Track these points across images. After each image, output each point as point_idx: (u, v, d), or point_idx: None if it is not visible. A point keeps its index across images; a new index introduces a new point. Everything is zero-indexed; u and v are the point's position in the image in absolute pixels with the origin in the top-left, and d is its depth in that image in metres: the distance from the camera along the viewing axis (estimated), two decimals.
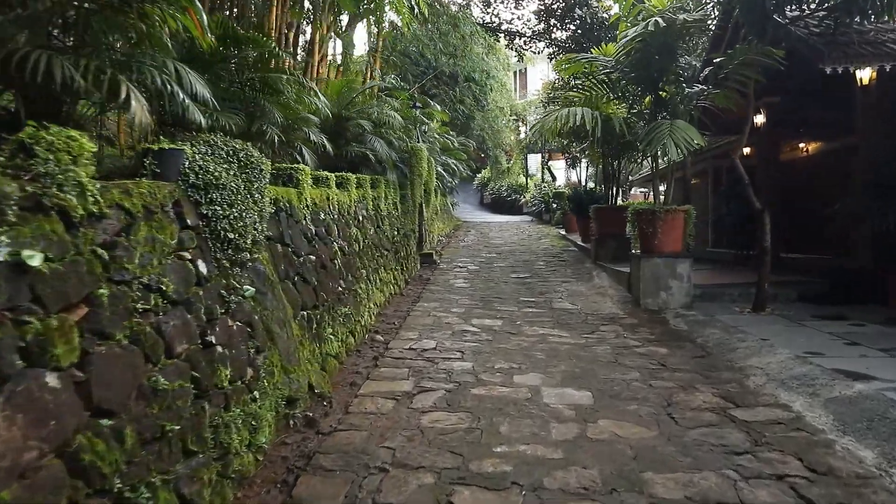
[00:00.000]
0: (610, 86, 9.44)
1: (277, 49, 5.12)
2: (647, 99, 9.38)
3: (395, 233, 10.80)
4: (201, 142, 3.76)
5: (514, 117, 40.58)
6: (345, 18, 15.23)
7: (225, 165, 3.74)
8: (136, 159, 3.29)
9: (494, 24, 23.18)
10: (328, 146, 7.24)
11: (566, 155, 25.98)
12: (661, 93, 8.97)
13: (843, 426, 4.02)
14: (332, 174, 6.82)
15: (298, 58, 10.90)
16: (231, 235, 3.75)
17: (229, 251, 3.79)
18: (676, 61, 8.49)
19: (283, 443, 3.98)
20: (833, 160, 11.33)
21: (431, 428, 4.21)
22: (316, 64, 11.11)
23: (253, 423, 3.68)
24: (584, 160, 23.69)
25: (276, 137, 5.50)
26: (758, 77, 7.87)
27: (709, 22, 9.97)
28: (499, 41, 25.87)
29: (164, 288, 3.00)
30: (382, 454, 3.77)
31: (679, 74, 8.70)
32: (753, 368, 5.49)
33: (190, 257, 3.37)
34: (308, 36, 11.41)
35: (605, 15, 18.45)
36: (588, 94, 9.71)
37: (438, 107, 21.01)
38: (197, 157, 3.57)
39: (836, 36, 7.77)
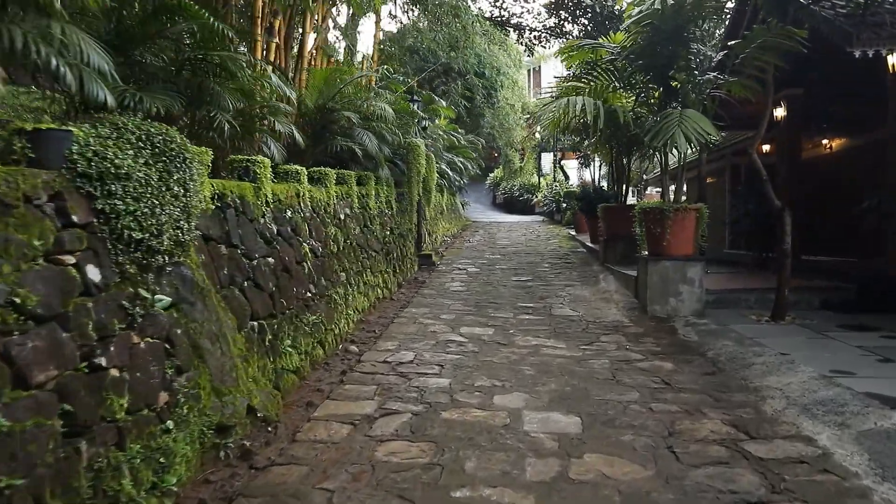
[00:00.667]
0: (616, 75, 8.73)
1: (223, 27, 4.49)
2: (657, 93, 8.66)
3: (388, 233, 10.17)
4: (107, 124, 3.15)
5: (528, 116, 39.88)
6: (344, 10, 14.71)
7: (132, 152, 3.13)
8: (3, 142, 2.68)
9: (503, 18, 22.49)
10: (298, 137, 6.62)
11: (578, 153, 25.24)
12: (671, 82, 8.25)
13: (882, 469, 3.31)
14: (304, 168, 6.20)
15: (294, 49, 10.35)
16: (139, 235, 3.13)
17: (137, 254, 3.17)
18: (688, 46, 7.76)
19: (205, 481, 3.36)
20: (859, 157, 10.52)
21: (385, 463, 3.56)
22: (309, 55, 10.53)
23: (161, 460, 3.07)
24: (597, 159, 22.96)
25: (226, 126, 4.89)
26: (778, 62, 7.12)
27: (724, 0, 9.21)
28: (508, 35, 25.14)
29: (21, 301, 2.39)
30: (316, 499, 3.13)
31: (690, 61, 7.96)
32: (771, 389, 4.77)
33: (74, 262, 2.76)
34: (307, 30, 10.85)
35: (617, 8, 17.72)
36: (592, 84, 9.00)
37: (444, 102, 20.37)
38: (92, 140, 2.96)
39: (866, 17, 7.01)
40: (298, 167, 6.19)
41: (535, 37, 22.47)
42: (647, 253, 8.36)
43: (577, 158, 27.84)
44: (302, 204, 6.19)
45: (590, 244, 15.11)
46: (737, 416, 4.27)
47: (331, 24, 14.05)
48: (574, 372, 5.43)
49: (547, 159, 38.13)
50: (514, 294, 9.60)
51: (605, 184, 23.11)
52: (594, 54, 8.98)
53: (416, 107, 12.34)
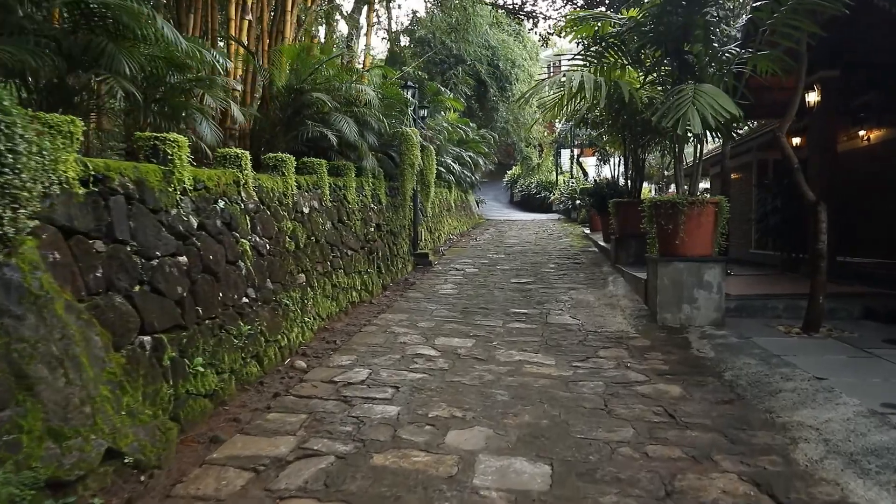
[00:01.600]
0: (623, 49, 7.65)
1: None
2: (669, 69, 7.57)
3: (371, 229, 9.23)
4: None
5: (555, 120, 38.65)
6: None
7: None
8: None
9: (516, 6, 21.43)
10: (236, 113, 5.72)
11: (596, 148, 24.06)
12: (686, 56, 7.17)
13: None
14: (245, 152, 5.28)
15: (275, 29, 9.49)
16: None
17: None
18: (706, 6, 6.66)
19: None
20: None
21: None
22: (293, 35, 9.66)
23: None
24: (616, 155, 21.79)
25: (125, 94, 3.98)
26: (813, 28, 6.02)
27: None
28: (521, 24, 24.06)
29: None
30: None
31: (709, 31, 6.87)
32: (805, 428, 3.72)
33: None
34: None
35: None
36: (597, 60, 7.93)
37: (450, 93, 19.40)
38: None
39: None
40: (239, 151, 5.27)
41: (550, 26, 21.41)
42: (657, 253, 7.31)
43: (595, 154, 26.72)
44: (243, 193, 5.27)
45: (602, 243, 14.01)
46: (759, 469, 3.24)
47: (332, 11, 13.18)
48: (557, 398, 4.42)
49: (566, 157, 37.01)
50: (510, 298, 8.59)
51: (624, 181, 21.97)
52: (601, 28, 7.92)
53: (409, 94, 11.38)
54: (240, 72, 8.74)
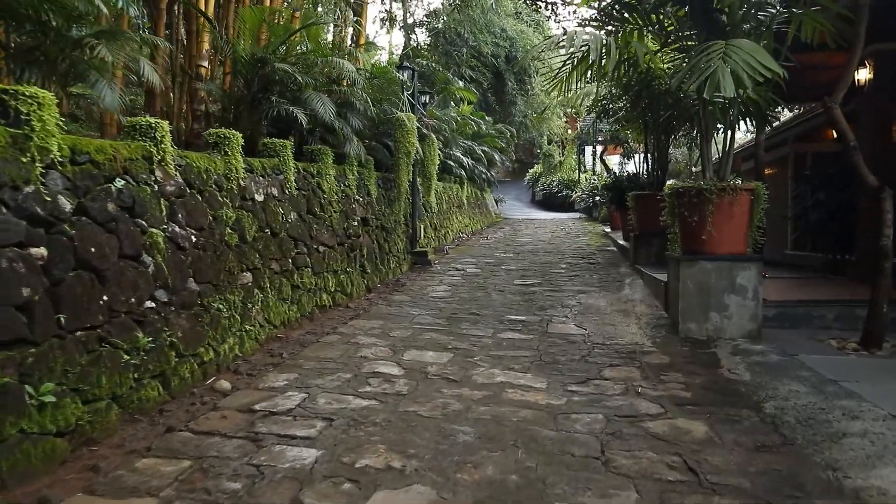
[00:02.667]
0: (638, 11, 6.47)
1: None
2: (695, 32, 6.39)
3: (354, 224, 8.19)
4: None
5: (572, 109, 37.34)
6: None
7: None
8: None
9: None
10: (149, 74, 4.69)
11: (618, 144, 22.74)
12: (715, 14, 5.98)
13: None
14: (164, 122, 4.27)
15: None
16: None
17: None
18: None
19: None
20: None
21: None
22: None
23: None
24: (640, 151, 20.47)
25: None
26: None
27: None
28: (538, 11, 22.89)
29: None
30: None
31: None
32: (887, 498, 2.55)
33: None
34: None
35: None
36: (607, 21, 6.75)
37: (461, 83, 18.30)
38: None
39: None
40: (154, 120, 4.25)
41: (570, 14, 20.21)
42: (680, 251, 6.13)
43: (619, 149, 25.40)
44: (158, 172, 4.25)
45: (622, 242, 12.78)
46: None
47: None
48: (539, 440, 3.31)
49: (590, 154, 35.65)
50: (508, 303, 7.47)
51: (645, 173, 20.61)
52: None
53: (405, 75, 10.31)
54: (206, 46, 7.79)
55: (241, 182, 5.40)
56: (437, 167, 12.27)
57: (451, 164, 16.19)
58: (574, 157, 36.06)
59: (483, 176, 21.90)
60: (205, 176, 4.83)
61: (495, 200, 29.31)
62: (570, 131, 37.59)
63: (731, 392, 4.14)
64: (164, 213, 4.22)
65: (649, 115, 10.34)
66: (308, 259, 6.55)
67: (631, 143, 21.20)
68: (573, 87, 7.94)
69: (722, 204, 5.65)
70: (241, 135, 5.39)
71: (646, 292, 7.74)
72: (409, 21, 26.00)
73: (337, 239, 7.49)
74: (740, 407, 3.83)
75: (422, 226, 11.43)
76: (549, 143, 37.74)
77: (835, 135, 11.10)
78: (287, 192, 6.35)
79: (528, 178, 38.97)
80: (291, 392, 4.03)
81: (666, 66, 8.54)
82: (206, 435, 3.31)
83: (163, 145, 4.28)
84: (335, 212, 7.58)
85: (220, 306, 4.68)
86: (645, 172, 12.30)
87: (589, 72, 6.84)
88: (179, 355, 4.07)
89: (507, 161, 24.43)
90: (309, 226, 6.75)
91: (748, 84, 4.43)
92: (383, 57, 21.33)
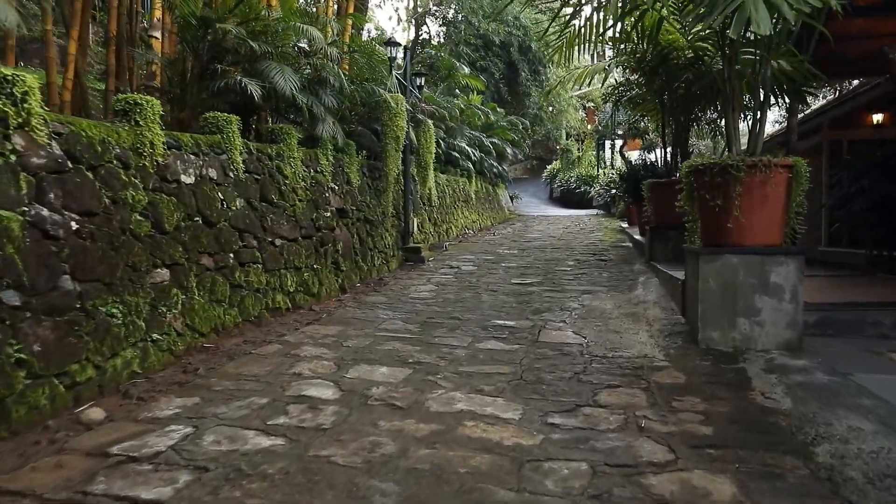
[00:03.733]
0: None
1: None
2: None
3: (327, 215, 7.22)
4: None
5: (592, 103, 36.07)
6: None
7: None
8: None
9: None
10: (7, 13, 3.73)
11: (637, 134, 21.50)
12: None
13: None
14: (26, 76, 3.33)
15: None
16: None
17: None
18: None
19: None
20: None
21: None
22: None
23: None
24: (660, 144, 19.22)
25: None
26: None
27: None
28: None
29: None
30: None
31: None
32: None
33: None
34: None
35: None
36: None
37: (466, 68, 17.25)
38: None
39: None
40: (11, 70, 3.31)
41: None
42: (700, 242, 5.05)
43: (639, 142, 24.15)
44: (19, 140, 3.31)
45: (638, 237, 11.64)
46: None
47: None
48: None
49: (609, 149, 34.37)
50: (499, 305, 6.43)
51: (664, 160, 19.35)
52: None
53: (395, 53, 9.30)
54: (158, 14, 6.91)
55: (160, 159, 4.44)
56: (433, 156, 11.27)
57: (456, 155, 15.18)
58: (592, 152, 34.85)
59: (494, 170, 20.85)
60: (100, 149, 3.88)
61: (510, 197, 28.22)
62: (588, 125, 36.35)
63: (768, 427, 3.07)
64: (23, 192, 3.27)
65: (666, 94, 9.25)
66: (258, 254, 5.59)
67: (650, 136, 20.03)
68: (576, 55, 6.93)
69: (752, 184, 4.56)
70: (158, 103, 4.43)
71: (660, 293, 6.64)
72: (420, 10, 25.04)
73: (301, 231, 6.52)
74: (781, 452, 2.76)
75: (416, 220, 10.43)
76: (567, 138, 36.58)
77: (875, 121, 9.89)
78: (231, 174, 5.39)
79: (545, 174, 37.82)
80: (176, 425, 3.05)
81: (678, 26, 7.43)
82: (13, 497, 2.34)
83: (26, 105, 3.33)
84: (300, 200, 6.61)
85: (114, 311, 3.72)
86: (662, 159, 11.16)
87: (590, 32, 5.81)
88: (34, 376, 3.11)
89: (520, 155, 23.28)
90: (262, 215, 5.79)
91: (790, 15, 3.33)
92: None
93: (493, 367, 4.19)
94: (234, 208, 5.31)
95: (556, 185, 35.68)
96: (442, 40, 24.24)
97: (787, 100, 7.01)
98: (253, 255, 5.49)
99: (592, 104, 37.13)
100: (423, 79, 11.83)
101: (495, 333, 5.20)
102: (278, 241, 5.96)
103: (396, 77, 9.58)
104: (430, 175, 11.14)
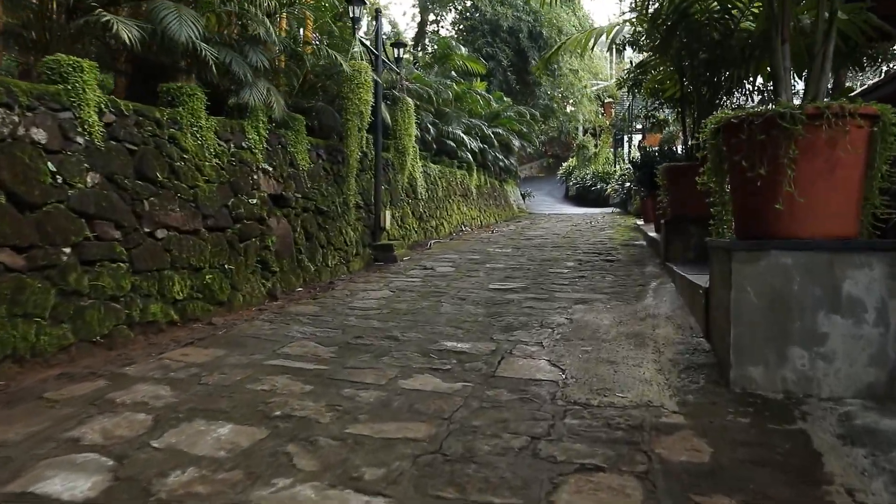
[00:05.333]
0: None
1: None
2: None
3: (253, 202, 5.73)
4: None
5: (610, 98, 34.34)
6: None
7: None
8: None
9: None
10: None
11: (656, 124, 19.76)
12: None
13: None
14: None
15: None
16: None
17: None
18: None
19: None
20: None
21: None
22: None
23: None
24: (681, 120, 17.45)
25: None
26: None
27: None
28: None
29: None
30: None
31: None
32: None
33: None
34: None
35: None
36: None
37: (463, 48, 15.69)
38: None
39: None
40: None
41: None
42: (732, 234, 3.47)
43: (658, 136, 22.40)
44: None
45: (653, 234, 10.02)
46: None
47: None
48: None
49: (627, 143, 32.59)
50: (460, 318, 4.88)
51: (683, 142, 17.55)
52: None
53: (354, 11, 7.77)
54: None
55: None
56: (414, 140, 9.75)
57: (451, 144, 13.66)
58: (610, 149, 33.14)
59: (500, 164, 19.29)
60: None
61: (522, 195, 26.64)
62: (605, 120, 34.57)
63: None
64: None
65: (686, 60, 7.64)
66: (122, 249, 4.11)
67: (671, 128, 18.30)
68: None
69: (815, 143, 2.97)
70: None
71: (676, 303, 5.04)
72: None
73: (207, 221, 5.04)
74: None
75: (389, 213, 8.92)
76: (583, 134, 34.96)
77: None
78: (81, 140, 3.92)
79: (560, 172, 36.22)
80: None
81: None
82: None
83: None
84: (208, 182, 5.13)
85: None
86: (683, 146, 9.51)
87: None
88: None
89: (529, 148, 21.62)
90: (136, 198, 4.31)
91: None
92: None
93: (403, 427, 2.65)
94: (80, 186, 3.84)
95: (571, 183, 34.04)
96: (451, 31, 22.80)
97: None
98: (111, 250, 4.01)
99: (610, 98, 35.41)
100: (403, 50, 10.30)
101: (437, 363, 3.66)
102: (161, 233, 4.48)
103: (362, 42, 8.07)
104: (408, 162, 9.63)
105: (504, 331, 4.44)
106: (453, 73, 14.35)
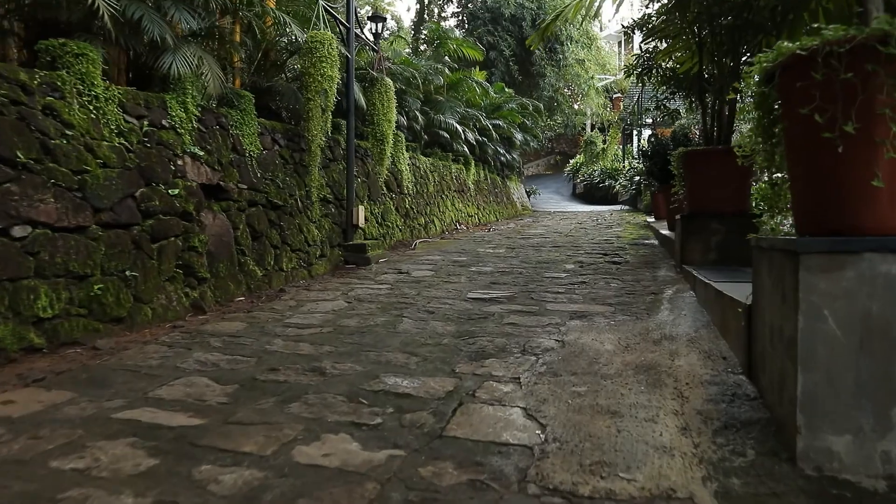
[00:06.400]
0: None
1: None
2: None
3: (176, 192, 4.66)
4: None
5: (619, 92, 33.12)
6: None
7: None
8: None
9: None
10: None
11: (667, 115, 18.54)
12: None
13: None
14: None
15: None
16: None
17: None
18: None
19: None
20: None
21: None
22: None
23: None
24: (699, 100, 16.22)
25: None
26: None
27: None
28: None
29: None
30: None
31: None
32: None
33: None
34: None
35: None
36: None
37: (457, 31, 14.57)
38: None
39: None
40: None
41: None
42: (797, 225, 2.34)
43: (668, 131, 21.18)
44: None
45: (665, 232, 8.88)
46: None
47: None
48: None
49: (637, 139, 31.35)
50: (420, 340, 3.78)
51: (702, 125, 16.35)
52: None
53: None
54: None
55: None
56: (395, 126, 8.66)
57: (444, 135, 12.56)
58: (619, 146, 31.96)
59: (502, 159, 18.18)
60: None
61: (527, 192, 25.54)
62: (613, 113, 33.35)
63: None
64: None
65: (706, 26, 6.53)
66: None
67: (683, 120, 17.09)
68: None
69: None
70: None
71: (700, 319, 3.91)
72: None
73: (101, 216, 3.97)
74: None
75: (363, 209, 7.82)
76: (591, 130, 33.80)
77: None
78: None
79: (567, 169, 35.12)
80: None
81: None
82: None
83: None
84: (104, 166, 4.06)
85: None
86: (698, 127, 8.34)
87: None
88: None
89: (532, 143, 20.47)
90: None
91: None
92: None
93: None
94: None
95: (578, 181, 32.92)
96: (451, 22, 21.71)
97: None
98: None
99: (619, 94, 34.17)
100: (382, 25, 9.20)
101: (365, 413, 2.56)
102: (21, 230, 3.41)
103: (328, 10, 6.98)
104: (388, 150, 8.53)
105: (472, 359, 3.34)
106: (447, 58, 13.23)
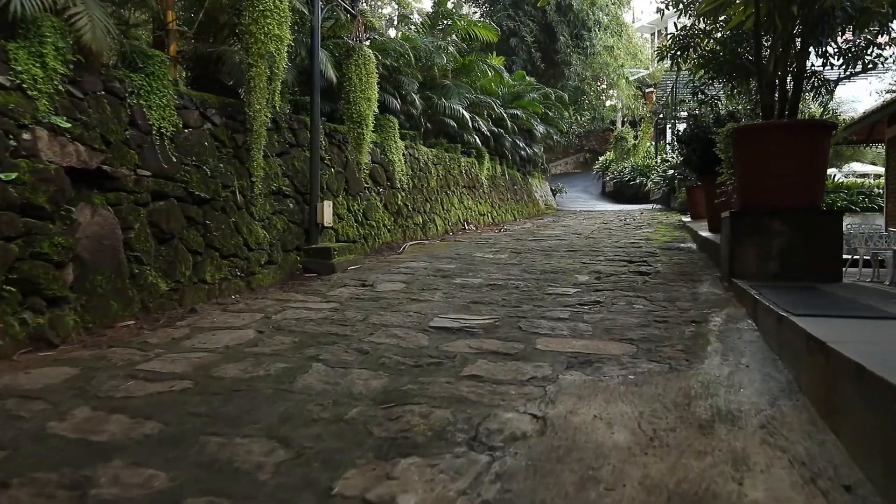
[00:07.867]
0: None
1: None
2: None
3: (28, 178, 3.31)
4: None
5: (651, 86, 31.23)
6: None
7: None
8: None
9: None
10: None
11: (702, 101, 16.75)
12: None
13: None
14: None
15: None
16: None
17: None
18: None
19: None
20: None
21: None
22: None
23: None
24: (755, 63, 14.37)
25: None
26: None
27: None
28: None
29: None
30: None
31: None
32: None
33: None
34: None
35: None
36: None
37: (476, 15, 13.08)
38: None
39: None
40: None
41: None
42: None
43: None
44: None
45: (706, 234, 7.29)
46: None
47: None
48: None
49: (671, 135, 29.42)
50: (315, 412, 2.35)
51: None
52: None
53: None
54: None
55: None
56: (375, 105, 7.23)
57: (450, 122, 11.11)
58: (651, 142, 30.05)
59: (522, 153, 16.65)
60: None
61: (553, 191, 23.91)
62: (644, 108, 31.46)
63: None
64: None
65: None
66: None
67: (722, 108, 15.32)
68: None
69: None
70: None
71: (775, 378, 2.39)
72: None
73: None
74: None
75: (329, 205, 6.41)
76: (622, 125, 31.97)
77: None
78: None
79: (597, 166, 33.39)
80: None
81: None
82: None
83: None
84: None
85: None
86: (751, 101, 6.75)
87: None
88: None
89: (556, 135, 18.82)
90: None
91: None
92: None
93: None
94: None
95: (608, 178, 31.14)
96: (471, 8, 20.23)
97: None
98: None
99: (651, 88, 32.24)
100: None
101: None
102: None
103: None
104: (366, 136, 7.11)
105: (380, 456, 1.90)
106: (454, 36, 11.77)
